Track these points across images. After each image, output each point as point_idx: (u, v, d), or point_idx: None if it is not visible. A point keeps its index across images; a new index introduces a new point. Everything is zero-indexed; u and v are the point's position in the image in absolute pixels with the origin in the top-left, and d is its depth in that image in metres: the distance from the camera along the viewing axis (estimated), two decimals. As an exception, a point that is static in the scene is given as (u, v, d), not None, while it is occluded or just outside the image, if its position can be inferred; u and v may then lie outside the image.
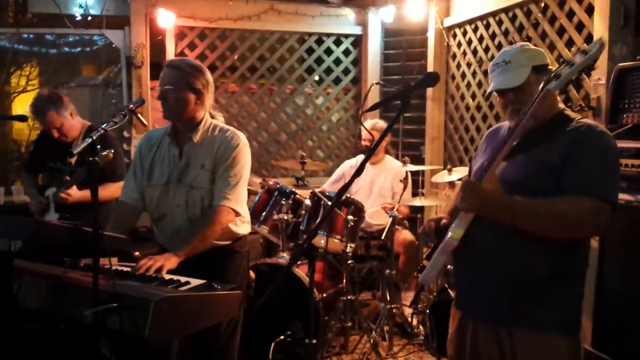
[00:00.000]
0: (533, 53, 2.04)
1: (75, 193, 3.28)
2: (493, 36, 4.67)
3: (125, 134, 5.16)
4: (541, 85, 1.87)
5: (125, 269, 2.29)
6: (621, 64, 3.04)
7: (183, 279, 2.18)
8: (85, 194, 3.29)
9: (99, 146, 1.89)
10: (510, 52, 2.05)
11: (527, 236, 1.86)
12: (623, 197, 2.87)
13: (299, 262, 3.74)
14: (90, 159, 1.84)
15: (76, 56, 7.23)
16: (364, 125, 4.25)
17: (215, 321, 2.16)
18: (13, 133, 8.91)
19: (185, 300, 2.01)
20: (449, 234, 1.96)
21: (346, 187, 1.96)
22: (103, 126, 2.04)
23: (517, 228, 1.86)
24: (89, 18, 5.18)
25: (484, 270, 2.00)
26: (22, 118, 3.90)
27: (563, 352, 1.89)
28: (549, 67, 2.04)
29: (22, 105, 8.25)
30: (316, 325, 3.52)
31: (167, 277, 2.23)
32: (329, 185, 4.74)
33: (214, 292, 2.14)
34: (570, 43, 3.85)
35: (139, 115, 2.43)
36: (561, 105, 2.04)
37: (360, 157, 4.76)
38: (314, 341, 2.15)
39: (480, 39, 4.85)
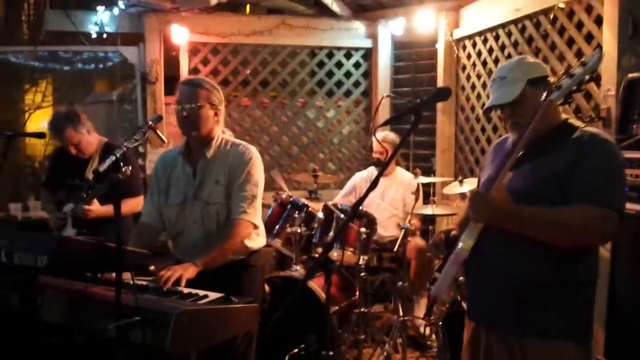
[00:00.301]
0: (529, 67, 2.08)
1: (97, 208, 3.35)
2: (502, 47, 4.71)
3: (141, 149, 5.25)
4: (544, 96, 1.92)
5: (142, 283, 2.34)
6: (630, 75, 3.07)
7: (201, 293, 2.23)
8: (106, 209, 3.35)
9: (121, 163, 1.95)
10: (506, 68, 2.11)
11: (532, 246, 1.89)
12: (634, 207, 2.89)
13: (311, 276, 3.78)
14: (113, 175, 1.90)
15: (91, 73, 7.34)
16: (376, 138, 4.28)
17: (233, 334, 2.21)
18: (27, 149, 9.04)
19: (205, 314, 2.07)
20: (460, 244, 1.99)
21: (361, 200, 2.00)
22: (125, 144, 2.10)
23: (524, 238, 1.89)
24: (104, 35, 5.28)
25: (492, 280, 2.04)
26: (40, 135, 3.97)
27: (571, 357, 1.92)
28: (548, 77, 2.08)
29: (37, 121, 8.38)
30: (330, 339, 3.55)
31: (186, 290, 2.28)
32: (341, 198, 4.78)
33: (232, 305, 2.19)
34: (579, 54, 3.87)
35: (158, 131, 2.48)
36: (564, 115, 2.08)
37: (372, 169, 4.79)
38: (331, 353, 2.16)
39: (490, 51, 4.89)
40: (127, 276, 2.22)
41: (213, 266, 2.56)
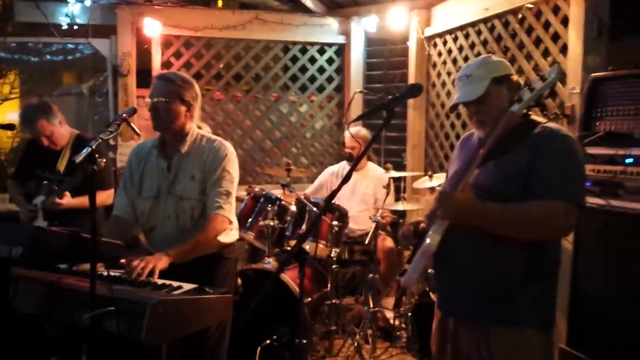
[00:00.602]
0: (493, 65, 2.14)
1: (68, 200, 3.33)
2: (472, 46, 4.81)
3: (112, 142, 5.20)
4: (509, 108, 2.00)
5: (115, 274, 2.35)
6: (595, 74, 3.17)
7: (175, 284, 2.24)
8: (78, 201, 3.34)
9: (97, 155, 1.96)
10: (471, 67, 2.17)
11: (498, 242, 1.96)
12: (596, 201, 3.01)
13: (285, 268, 3.82)
14: (88, 166, 1.92)
15: (61, 64, 7.24)
16: (350, 133, 4.34)
17: (207, 324, 2.24)
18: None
19: (179, 304, 2.09)
20: (427, 240, 2.04)
21: (334, 193, 2.05)
22: (100, 135, 2.11)
23: (490, 234, 1.96)
24: (75, 27, 5.22)
25: (460, 274, 2.11)
26: (10, 127, 3.92)
27: (536, 345, 2.00)
28: (512, 76, 2.15)
29: (3, 113, 8.21)
30: (302, 329, 3.60)
31: (160, 281, 2.29)
32: (312, 193, 4.83)
33: (206, 296, 2.21)
34: (546, 53, 3.98)
35: (132, 124, 2.49)
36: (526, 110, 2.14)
37: (343, 164, 4.86)
38: (304, 341, 2.21)
39: (460, 49, 4.98)
40: (100, 268, 2.24)
41: (186, 259, 2.56)
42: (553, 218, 1.91)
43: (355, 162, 2.10)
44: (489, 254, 2.01)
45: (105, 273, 2.14)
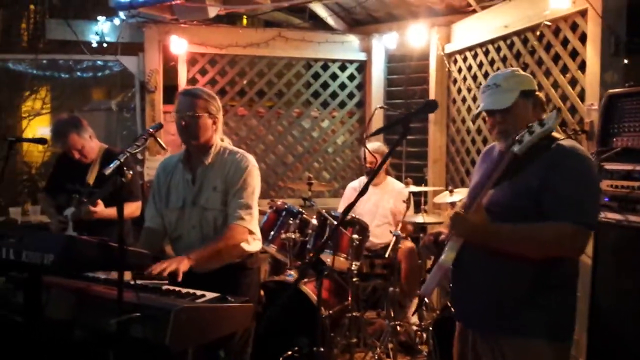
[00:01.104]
0: (522, 78, 2.21)
1: (101, 209, 3.43)
2: (492, 62, 4.85)
3: (139, 156, 5.35)
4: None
5: (142, 283, 2.44)
6: (611, 90, 3.20)
7: (199, 292, 2.33)
8: (109, 211, 3.45)
9: (125, 167, 2.06)
10: (501, 76, 2.22)
11: (505, 259, 2.02)
12: (614, 216, 3.02)
13: (305, 280, 3.89)
14: (117, 178, 2.02)
15: (91, 81, 7.46)
16: (367, 149, 4.40)
17: (229, 331, 2.31)
18: (24, 156, 9.13)
19: (202, 311, 2.17)
20: (443, 256, 2.13)
21: (351, 206, 2.12)
22: (128, 149, 2.21)
23: (498, 251, 2.02)
24: (105, 45, 5.40)
25: (473, 286, 2.18)
26: (41, 141, 4.07)
27: (548, 356, 2.04)
28: (536, 92, 2.21)
29: (34, 128, 8.47)
30: (322, 341, 3.65)
31: (184, 290, 2.38)
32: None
33: (227, 304, 2.30)
34: (565, 69, 4.01)
35: (158, 139, 2.60)
36: None
37: (362, 179, 4.94)
38: (321, 349, 2.28)
39: (480, 65, 5.03)
40: (128, 278, 2.33)
41: (205, 264, 2.66)
42: (562, 239, 1.95)
43: (372, 176, 2.17)
44: (497, 269, 2.08)
45: (132, 282, 2.25)
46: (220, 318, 2.26)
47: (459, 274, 2.20)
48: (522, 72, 2.25)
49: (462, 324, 2.33)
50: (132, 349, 2.17)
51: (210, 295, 2.32)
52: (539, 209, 1.99)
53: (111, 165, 2.04)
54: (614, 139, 3.09)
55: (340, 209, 4.94)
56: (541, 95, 2.23)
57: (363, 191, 2.09)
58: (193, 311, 2.11)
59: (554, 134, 2.14)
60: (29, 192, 8.35)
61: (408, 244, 4.65)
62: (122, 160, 2.07)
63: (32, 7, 8.49)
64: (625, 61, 3.58)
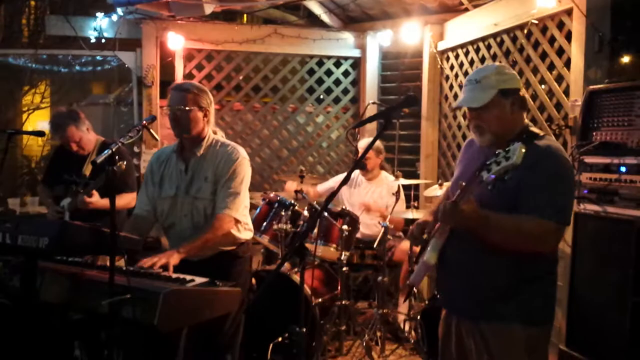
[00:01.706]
0: (504, 77, 2.20)
1: (96, 199, 3.51)
2: (483, 59, 4.95)
3: (136, 149, 5.45)
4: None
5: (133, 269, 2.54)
6: (591, 87, 3.29)
7: (188, 277, 2.42)
8: (105, 201, 3.54)
9: (116, 157, 2.16)
10: (482, 72, 2.23)
11: (489, 251, 2.11)
12: (592, 207, 3.13)
13: (296, 269, 3.99)
14: (109, 167, 2.12)
15: (89, 75, 7.57)
16: (349, 140, 4.48)
17: (216, 313, 2.40)
18: (24, 149, 9.26)
19: (190, 294, 2.27)
20: (426, 255, 2.25)
21: (334, 194, 2.22)
22: (120, 139, 2.31)
23: (483, 244, 2.10)
24: (103, 40, 5.50)
25: (456, 277, 2.29)
26: (40, 133, 4.16)
27: (522, 340, 2.14)
28: (519, 90, 2.23)
29: (34, 122, 8.59)
30: (312, 328, 3.75)
31: (174, 275, 2.48)
32: (322, 191, 4.98)
33: (215, 288, 2.40)
34: (552, 66, 4.11)
35: (151, 130, 2.69)
36: (526, 121, 2.26)
37: (356, 172, 5.01)
38: (304, 329, 2.38)
39: (471, 62, 5.12)
40: (120, 264, 2.43)
41: (195, 255, 2.76)
42: (544, 235, 2.04)
43: (354, 165, 2.26)
44: (478, 262, 2.18)
45: (124, 267, 2.35)
46: (207, 301, 2.35)
47: (443, 265, 2.30)
48: (506, 70, 2.25)
49: (446, 310, 2.44)
50: (124, 330, 2.28)
51: (199, 280, 2.41)
52: (519, 207, 2.07)
53: (103, 154, 2.14)
54: (594, 133, 3.19)
55: (324, 188, 4.98)
56: (523, 93, 2.25)
57: (345, 180, 2.20)
58: (181, 294, 2.22)
59: (533, 129, 2.22)
60: (28, 184, 8.47)
61: (408, 246, 4.73)
62: (113, 149, 2.17)
63: (32, 3, 8.60)
64: (609, 59, 3.66)
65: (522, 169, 2.03)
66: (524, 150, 1.90)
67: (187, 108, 2.84)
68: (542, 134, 2.20)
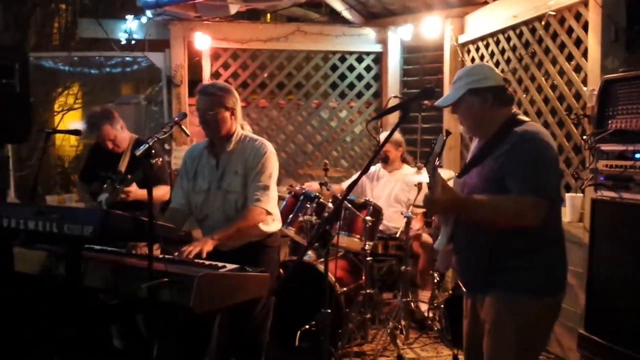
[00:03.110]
0: (475, 77, 2.38)
1: (135, 189, 3.70)
2: (502, 51, 5.02)
3: (166, 146, 5.65)
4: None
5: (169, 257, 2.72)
6: (607, 76, 3.36)
7: (220, 264, 2.59)
8: (143, 192, 3.72)
9: (153, 151, 2.33)
10: (458, 74, 2.45)
11: (483, 229, 2.28)
12: (609, 194, 3.21)
13: (322, 259, 4.14)
14: (148, 160, 2.29)
15: (120, 76, 7.79)
16: (369, 132, 4.56)
17: (247, 297, 2.56)
18: (58, 150, 9.57)
19: (223, 278, 2.44)
20: (437, 241, 2.50)
21: (354, 183, 2.38)
22: (156, 135, 2.48)
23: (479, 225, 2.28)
24: (133, 42, 5.70)
25: (465, 257, 2.46)
26: (76, 132, 4.39)
27: (531, 310, 2.26)
28: (493, 87, 2.35)
29: (66, 122, 8.86)
30: (338, 315, 3.89)
31: (207, 262, 2.65)
32: (347, 187, 5.11)
33: (245, 273, 2.56)
34: (570, 57, 4.18)
35: (183, 126, 2.85)
36: (510, 112, 2.39)
37: (378, 166, 5.13)
38: (329, 310, 2.53)
39: (492, 54, 5.20)
40: (157, 252, 2.60)
41: (228, 242, 2.92)
42: (522, 210, 2.18)
43: (373, 156, 2.40)
44: (474, 239, 2.34)
45: (160, 255, 2.52)
46: (238, 285, 2.52)
47: (456, 248, 2.47)
48: (477, 70, 2.43)
49: (465, 290, 2.59)
50: (161, 313, 2.45)
51: (230, 266, 2.58)
52: (503, 190, 2.22)
53: (141, 148, 2.31)
54: (609, 122, 3.26)
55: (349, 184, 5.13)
56: (503, 90, 2.37)
57: (365, 170, 2.35)
58: (214, 278, 2.38)
59: (520, 117, 2.36)
60: (62, 183, 8.77)
61: (427, 238, 4.85)
62: (150, 143, 2.34)
63: (63, 6, 8.87)
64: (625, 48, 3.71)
65: (503, 155, 2.25)
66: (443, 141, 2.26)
67: (214, 111, 3.00)
68: (525, 120, 2.35)
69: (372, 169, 5.25)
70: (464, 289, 2.60)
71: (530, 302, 2.27)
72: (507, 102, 2.40)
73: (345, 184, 5.16)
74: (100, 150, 4.07)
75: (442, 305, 4.35)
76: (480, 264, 2.36)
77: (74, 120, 9.14)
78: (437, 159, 2.27)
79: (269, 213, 3.11)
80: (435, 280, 4.52)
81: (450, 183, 4.04)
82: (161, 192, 3.84)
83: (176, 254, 2.75)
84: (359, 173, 5.21)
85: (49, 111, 8.45)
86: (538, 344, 2.37)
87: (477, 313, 2.44)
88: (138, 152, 2.30)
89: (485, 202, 2.24)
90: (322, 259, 4.14)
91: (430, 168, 2.28)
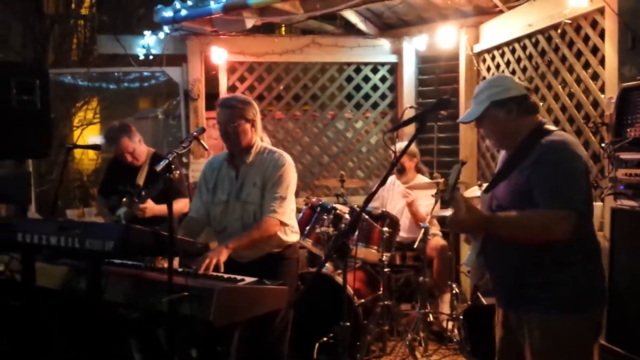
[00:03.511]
0: (496, 90, 2.35)
1: (151, 206, 3.73)
2: (519, 60, 5.01)
3: (184, 159, 5.70)
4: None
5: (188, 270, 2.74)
6: (625, 84, 3.35)
7: (239, 277, 2.61)
8: (159, 208, 3.76)
9: (173, 166, 2.36)
10: (478, 88, 2.42)
11: (518, 245, 2.25)
12: (629, 203, 3.18)
13: (339, 271, 4.14)
14: (167, 175, 2.32)
15: (138, 91, 7.90)
16: (386, 144, 4.58)
17: (266, 310, 2.58)
18: (77, 164, 9.70)
19: (241, 291, 2.47)
20: (467, 257, 2.47)
21: (372, 195, 2.38)
22: (176, 150, 2.51)
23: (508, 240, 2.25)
24: (151, 57, 5.78)
25: (497, 272, 2.44)
26: (96, 147, 4.45)
27: (563, 327, 2.22)
28: (516, 97, 2.33)
29: (85, 137, 8.99)
30: (356, 327, 3.88)
31: (226, 275, 2.67)
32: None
33: (263, 286, 2.58)
34: (587, 65, 4.16)
35: (202, 141, 2.88)
36: (536, 121, 2.36)
37: (393, 177, 5.13)
38: (347, 324, 2.53)
39: (507, 63, 5.19)
40: (176, 266, 2.63)
41: (242, 251, 2.96)
42: (549, 224, 2.15)
43: (391, 167, 2.42)
44: (510, 254, 2.29)
45: (179, 269, 2.55)
46: (257, 298, 2.54)
47: (488, 263, 2.43)
48: (498, 82, 2.40)
49: (501, 306, 2.53)
50: (180, 328, 2.47)
51: (249, 279, 2.60)
52: (531, 203, 2.19)
53: (162, 163, 2.34)
54: (628, 130, 3.24)
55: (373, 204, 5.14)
56: (527, 99, 2.35)
57: (382, 182, 2.35)
58: (234, 291, 2.41)
59: (547, 126, 2.33)
60: (81, 197, 8.88)
61: (440, 241, 4.84)
62: (170, 159, 2.37)
63: (81, 22, 9.02)
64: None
65: (529, 167, 2.21)
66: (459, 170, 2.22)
67: (235, 124, 3.03)
68: (552, 129, 2.32)
69: (388, 180, 5.25)
70: (497, 302, 2.55)
71: (569, 319, 2.23)
72: (532, 110, 2.37)
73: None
74: (118, 164, 4.13)
75: (461, 316, 4.32)
76: (512, 280, 2.33)
77: (92, 135, 9.27)
78: (453, 188, 2.24)
79: (284, 224, 3.12)
80: (454, 292, 4.50)
81: (473, 193, 4.03)
82: (181, 205, 3.89)
83: (194, 267, 2.77)
84: (376, 186, 5.25)
85: (68, 126, 8.58)
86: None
87: (510, 326, 2.42)
88: (158, 168, 2.33)
89: (512, 218, 2.21)
90: (339, 271, 4.14)
91: (447, 196, 2.24)
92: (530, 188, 2.21)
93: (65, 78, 7.40)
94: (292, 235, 3.24)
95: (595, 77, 4.09)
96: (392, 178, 5.17)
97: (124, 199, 3.98)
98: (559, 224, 2.14)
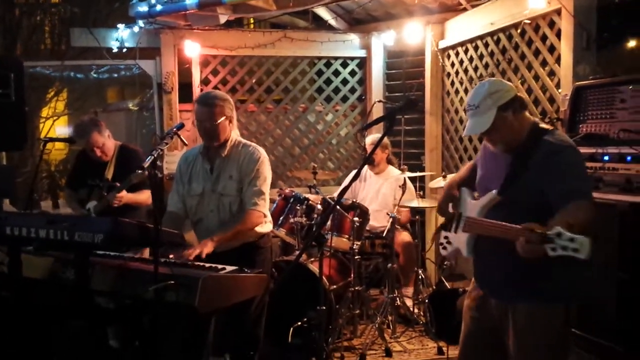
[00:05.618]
0: (499, 94, 2.36)
1: (125, 195, 3.84)
2: (481, 57, 5.24)
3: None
4: None
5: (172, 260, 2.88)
6: (578, 83, 3.59)
7: (220, 266, 2.76)
8: (132, 195, 3.88)
9: (157, 162, 2.50)
10: (478, 96, 2.38)
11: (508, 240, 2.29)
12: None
13: (312, 259, 4.34)
14: (153, 170, 2.46)
15: (111, 83, 7.89)
16: (358, 140, 4.79)
17: (246, 296, 2.74)
18: (45, 155, 9.61)
19: (224, 279, 2.62)
20: (464, 250, 2.58)
21: (345, 189, 2.57)
22: (159, 146, 2.64)
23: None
24: (124, 50, 5.84)
25: (492, 263, 2.51)
26: (71, 140, 4.52)
27: (547, 315, 2.35)
28: (515, 96, 2.40)
29: (54, 129, 8.92)
30: (328, 312, 4.07)
31: (207, 265, 2.82)
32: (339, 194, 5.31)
33: (244, 274, 2.74)
34: (544, 63, 4.40)
35: (181, 136, 3.00)
36: (532, 119, 2.44)
37: (365, 168, 5.32)
38: (324, 307, 2.71)
39: (471, 59, 5.41)
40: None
41: (226, 243, 3.09)
42: (588, 217, 2.17)
43: (364, 161, 2.60)
44: (505, 247, 2.29)
45: (162, 259, 2.68)
46: (238, 285, 2.70)
47: (479, 254, 2.55)
48: (496, 87, 2.39)
49: (485, 293, 2.61)
50: (164, 316, 2.61)
51: (230, 268, 2.75)
52: (545, 201, 2.25)
53: (148, 159, 2.48)
54: (580, 126, 3.48)
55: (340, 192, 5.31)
56: (517, 94, 2.41)
57: (356, 176, 2.54)
58: (216, 279, 2.56)
59: (542, 126, 2.42)
60: (49, 188, 8.85)
61: (406, 237, 5.06)
62: (155, 155, 2.51)
63: (52, 13, 8.92)
64: (595, 55, 3.95)
65: (537, 166, 2.30)
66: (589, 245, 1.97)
67: (215, 122, 3.15)
68: (548, 127, 2.41)
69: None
70: (485, 289, 2.60)
71: (555, 308, 2.35)
72: (525, 105, 2.46)
73: (337, 193, 5.34)
74: (87, 158, 4.18)
75: (427, 300, 4.57)
76: (501, 272, 2.41)
77: (60, 127, 9.20)
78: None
79: (265, 215, 3.29)
80: (420, 277, 4.74)
81: (438, 183, 4.21)
82: (146, 195, 3.98)
83: (171, 256, 2.90)
84: (350, 178, 5.40)
85: (36, 117, 8.52)
86: (568, 344, 2.47)
87: (487, 309, 2.53)
88: (145, 164, 2.46)
89: (560, 222, 2.04)
90: (312, 259, 4.34)
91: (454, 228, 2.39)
92: (540, 187, 2.27)
93: (34, 70, 7.37)
94: (266, 226, 3.40)
95: (552, 74, 4.33)
96: (363, 168, 5.36)
97: (93, 193, 4.07)
98: (592, 213, 2.19)
